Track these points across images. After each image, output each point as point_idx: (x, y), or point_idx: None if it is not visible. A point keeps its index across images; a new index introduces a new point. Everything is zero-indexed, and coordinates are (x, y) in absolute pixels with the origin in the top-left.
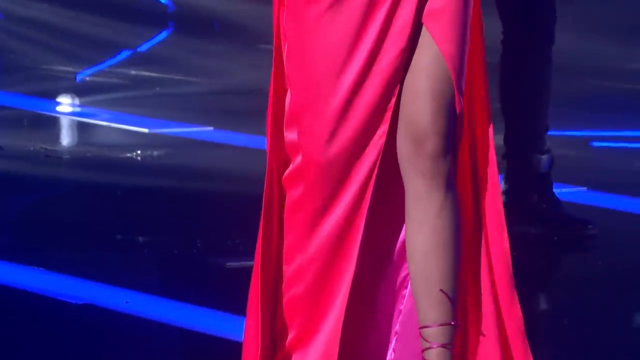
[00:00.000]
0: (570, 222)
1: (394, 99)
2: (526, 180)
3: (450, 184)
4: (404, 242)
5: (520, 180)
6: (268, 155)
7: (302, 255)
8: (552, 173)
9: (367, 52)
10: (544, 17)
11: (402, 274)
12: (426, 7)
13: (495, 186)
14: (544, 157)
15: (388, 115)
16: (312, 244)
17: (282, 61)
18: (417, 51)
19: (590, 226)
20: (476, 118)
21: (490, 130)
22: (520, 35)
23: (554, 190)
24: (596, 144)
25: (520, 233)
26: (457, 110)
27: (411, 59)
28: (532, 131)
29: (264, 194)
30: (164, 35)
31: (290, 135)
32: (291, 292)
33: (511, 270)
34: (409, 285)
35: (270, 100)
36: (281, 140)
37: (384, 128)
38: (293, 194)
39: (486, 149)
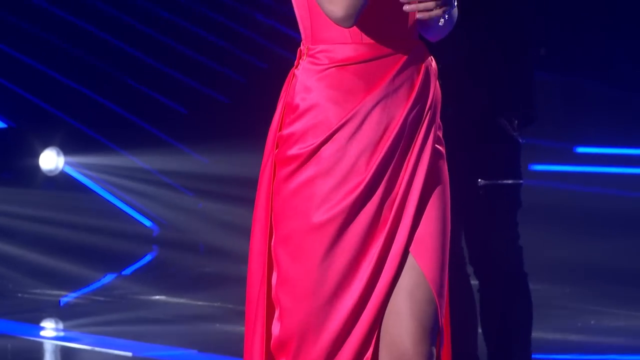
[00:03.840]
0: None
1: (382, 323)
2: None
3: None
4: None
5: None
6: None
7: None
8: None
9: (364, 283)
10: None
11: None
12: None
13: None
14: None
15: (373, 340)
16: None
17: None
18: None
19: None
20: None
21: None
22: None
23: None
24: None
25: None
26: (440, 330)
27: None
28: None
29: None
30: (148, 258)
31: None
32: None
33: None
34: None
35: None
36: None
37: (368, 355)
38: None
39: None
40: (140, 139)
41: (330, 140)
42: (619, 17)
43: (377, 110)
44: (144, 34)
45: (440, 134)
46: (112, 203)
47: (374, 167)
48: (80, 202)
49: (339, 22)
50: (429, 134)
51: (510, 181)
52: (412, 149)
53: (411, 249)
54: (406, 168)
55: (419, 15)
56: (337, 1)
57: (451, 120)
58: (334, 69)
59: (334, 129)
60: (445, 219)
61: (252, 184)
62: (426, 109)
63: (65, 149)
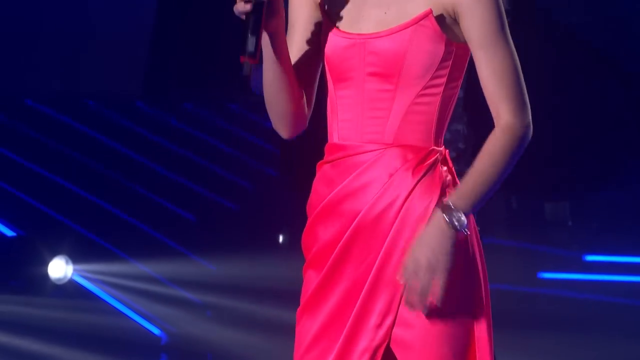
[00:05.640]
0: None
1: None
2: None
3: None
4: None
5: None
6: None
7: None
8: None
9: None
10: None
11: None
12: (395, 331)
13: None
14: None
15: None
16: None
17: None
18: None
19: None
20: None
21: None
22: None
23: None
24: None
25: None
26: None
27: None
28: None
29: None
30: None
31: None
32: None
33: None
34: None
35: None
36: None
37: None
38: None
39: None
40: (148, 247)
41: (310, 231)
42: (624, 123)
43: (343, 205)
44: (150, 141)
45: None
46: (120, 311)
47: (332, 260)
48: (89, 310)
49: (281, 134)
50: (401, 237)
51: None
52: (383, 253)
53: (393, 346)
54: (372, 267)
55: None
56: (273, 122)
57: None
58: (323, 164)
59: (311, 219)
60: (446, 329)
61: (260, 292)
62: (396, 214)
63: (74, 257)
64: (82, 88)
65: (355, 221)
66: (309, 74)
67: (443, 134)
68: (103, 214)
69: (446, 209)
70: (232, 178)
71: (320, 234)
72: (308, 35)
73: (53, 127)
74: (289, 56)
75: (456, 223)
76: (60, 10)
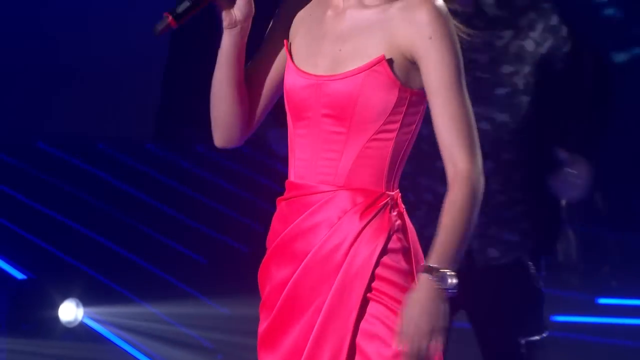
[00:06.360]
0: None
1: None
2: None
3: None
4: None
5: None
6: None
7: None
8: None
9: None
10: None
11: None
12: (361, 328)
13: None
14: None
15: None
16: None
17: None
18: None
19: None
20: None
21: None
22: None
23: None
24: None
25: None
26: None
27: None
28: None
29: None
30: None
31: None
32: None
33: None
34: None
35: None
36: None
37: None
38: None
39: None
40: (159, 289)
41: (264, 269)
42: (637, 165)
43: (295, 244)
44: (161, 184)
45: (385, 287)
46: (131, 354)
47: (281, 301)
48: (100, 353)
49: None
50: (348, 281)
51: (538, 337)
52: (331, 297)
53: (359, 340)
54: (321, 310)
55: None
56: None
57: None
58: (281, 200)
59: (266, 256)
60: None
61: None
62: (343, 257)
63: (85, 300)
64: (92, 131)
65: (303, 262)
66: (259, 97)
67: (395, 178)
68: (114, 256)
69: (431, 271)
70: (244, 220)
71: (273, 272)
72: (272, 58)
73: (64, 169)
74: (242, 67)
75: (449, 281)
76: (71, 54)
